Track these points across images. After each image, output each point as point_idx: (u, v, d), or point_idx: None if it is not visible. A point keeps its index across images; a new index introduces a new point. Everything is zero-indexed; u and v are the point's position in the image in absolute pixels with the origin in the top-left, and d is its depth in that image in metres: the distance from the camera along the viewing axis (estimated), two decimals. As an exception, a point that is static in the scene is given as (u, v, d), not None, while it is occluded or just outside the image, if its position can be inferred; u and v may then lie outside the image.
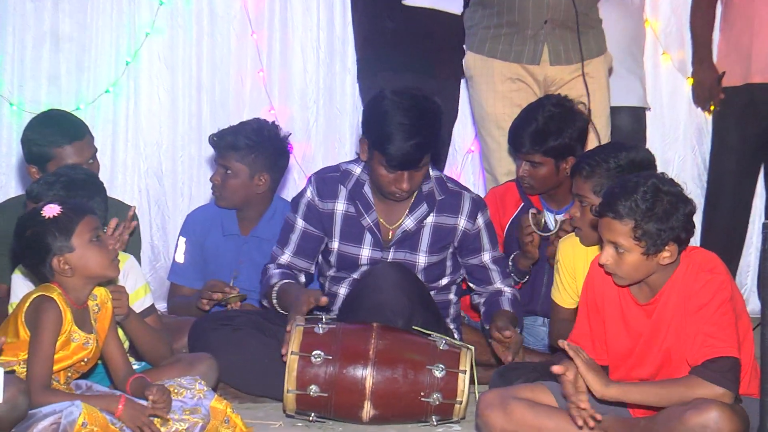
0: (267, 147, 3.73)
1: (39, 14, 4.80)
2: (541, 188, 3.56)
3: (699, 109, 4.67)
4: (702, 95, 4.49)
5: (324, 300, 3.32)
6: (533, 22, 3.81)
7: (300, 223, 3.42)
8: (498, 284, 3.46)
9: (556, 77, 3.88)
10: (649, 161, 3.21)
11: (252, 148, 3.68)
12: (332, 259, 3.47)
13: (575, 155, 3.53)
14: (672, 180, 2.85)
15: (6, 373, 2.69)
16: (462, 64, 4.23)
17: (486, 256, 3.46)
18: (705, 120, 4.72)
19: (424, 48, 4.14)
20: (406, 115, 3.18)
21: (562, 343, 2.81)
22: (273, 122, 3.84)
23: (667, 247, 2.70)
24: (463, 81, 4.30)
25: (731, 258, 4.30)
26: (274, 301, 3.33)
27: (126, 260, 3.30)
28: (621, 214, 2.68)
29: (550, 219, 3.54)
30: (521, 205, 3.68)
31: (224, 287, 3.55)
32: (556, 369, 2.74)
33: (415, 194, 3.40)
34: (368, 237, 3.41)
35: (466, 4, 4.19)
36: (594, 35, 3.93)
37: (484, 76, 3.93)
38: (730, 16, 4.41)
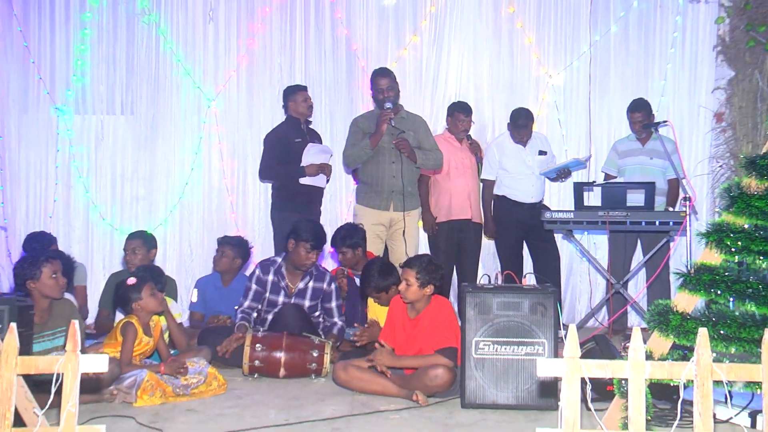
0: (243, 247, 4.97)
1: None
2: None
3: (426, 233, 5.67)
4: (427, 228, 5.60)
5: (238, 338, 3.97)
6: (387, 191, 5.00)
7: (253, 286, 4.33)
8: (335, 319, 4.41)
9: (395, 218, 5.01)
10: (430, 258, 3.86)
11: (237, 246, 4.92)
12: (265, 302, 4.33)
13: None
14: (437, 263, 3.75)
15: (110, 357, 3.18)
16: (321, 208, 5.42)
17: (333, 303, 4.42)
18: (425, 239, 5.81)
19: (308, 201, 5.40)
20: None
21: (381, 340, 3.63)
22: (247, 240, 5.05)
23: (428, 285, 3.62)
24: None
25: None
26: (235, 330, 4.15)
27: (170, 303, 4.26)
28: (412, 266, 3.64)
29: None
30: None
31: (220, 317, 4.54)
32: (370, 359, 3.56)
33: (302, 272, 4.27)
34: (282, 292, 4.31)
35: (326, 182, 5.50)
36: (413, 197, 5.15)
37: (365, 215, 5.07)
38: (437, 188, 5.69)
